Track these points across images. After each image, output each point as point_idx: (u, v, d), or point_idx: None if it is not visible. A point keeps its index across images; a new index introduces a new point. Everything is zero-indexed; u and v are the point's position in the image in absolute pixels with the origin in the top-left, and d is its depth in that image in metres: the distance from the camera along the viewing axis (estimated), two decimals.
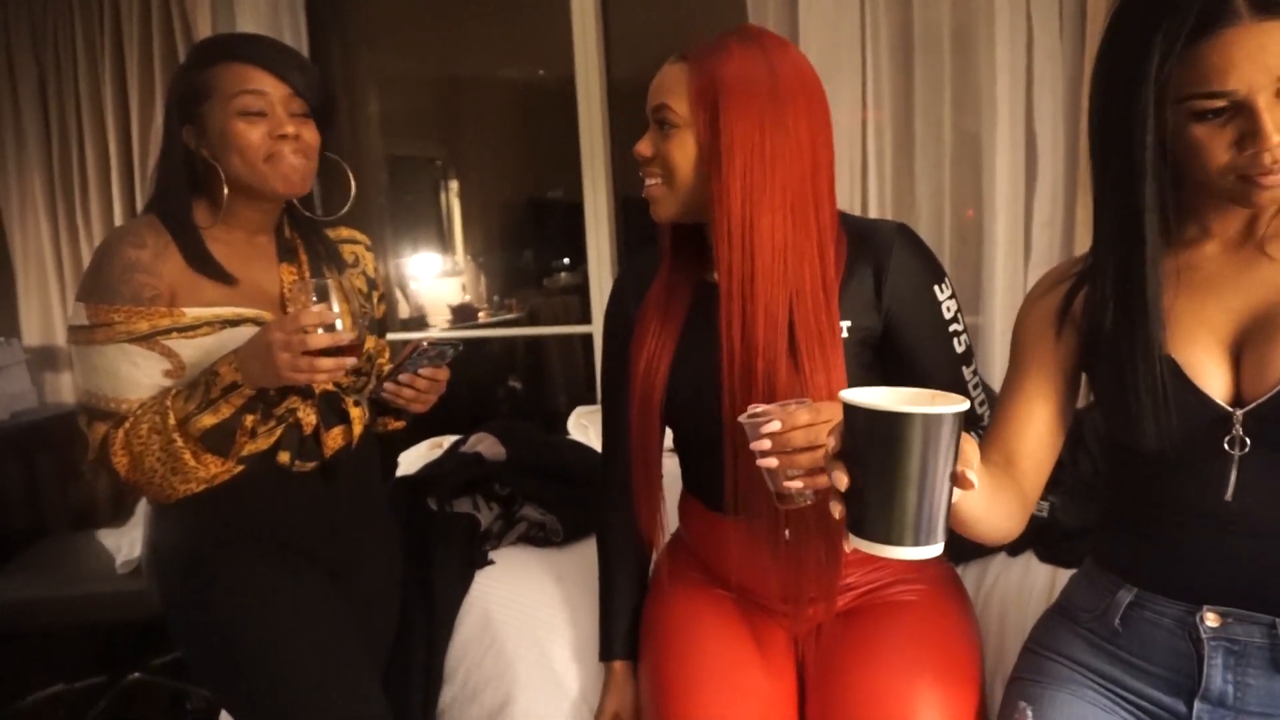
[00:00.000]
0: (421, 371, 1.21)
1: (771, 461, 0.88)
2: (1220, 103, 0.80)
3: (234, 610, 1.15)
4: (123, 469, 1.11)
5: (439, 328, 3.91)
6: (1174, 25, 0.80)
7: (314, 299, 1.06)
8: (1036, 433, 0.99)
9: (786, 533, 1.10)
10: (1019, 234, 2.23)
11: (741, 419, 0.93)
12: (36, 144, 3.00)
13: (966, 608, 1.17)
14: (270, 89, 1.15)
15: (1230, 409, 0.87)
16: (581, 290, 3.31)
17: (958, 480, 0.72)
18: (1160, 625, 0.94)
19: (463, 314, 4.07)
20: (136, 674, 2.27)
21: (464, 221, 4.52)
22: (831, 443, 0.75)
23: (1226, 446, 0.87)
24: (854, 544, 0.73)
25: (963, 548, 1.33)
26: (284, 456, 1.18)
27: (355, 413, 1.26)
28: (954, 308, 1.12)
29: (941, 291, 1.11)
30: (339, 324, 1.06)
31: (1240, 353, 0.88)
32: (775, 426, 0.88)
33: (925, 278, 1.10)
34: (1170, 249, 0.90)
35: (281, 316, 1.06)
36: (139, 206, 2.91)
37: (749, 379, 1.05)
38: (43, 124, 3.00)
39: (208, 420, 1.09)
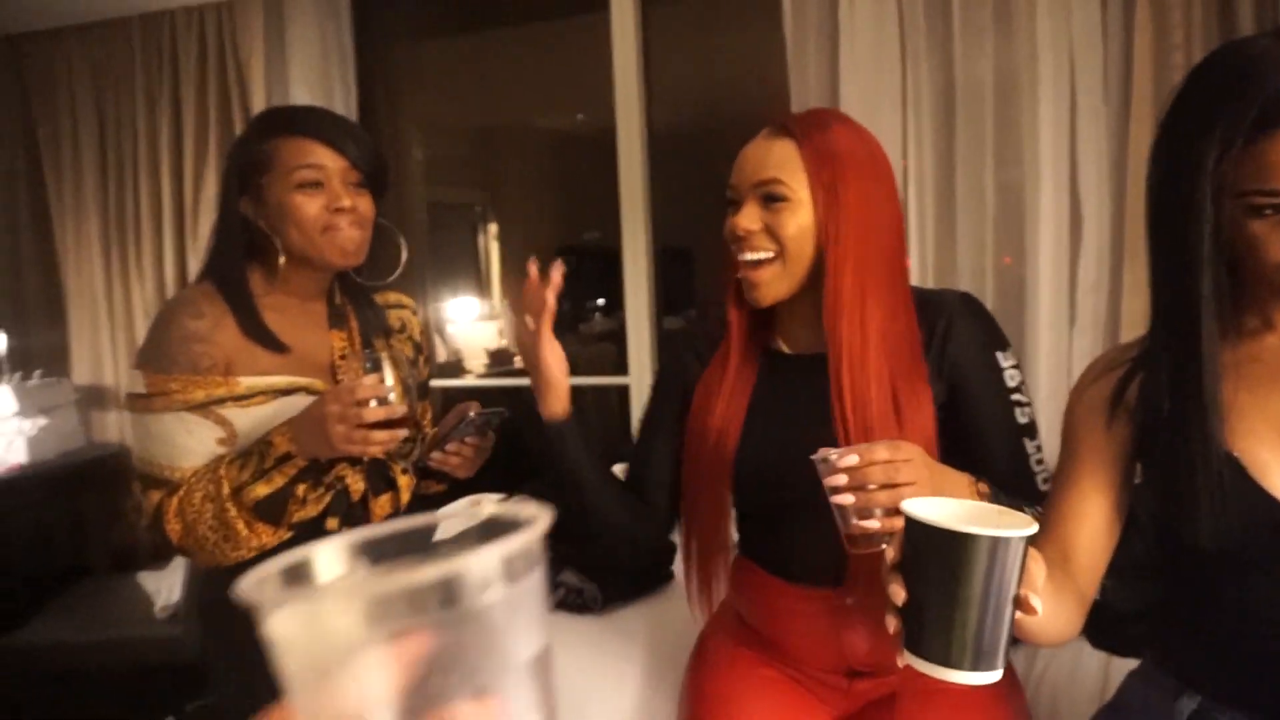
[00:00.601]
0: (467, 440, 1.24)
1: (847, 498, 0.86)
2: (1279, 200, 0.79)
3: (271, 666, 1.15)
4: (175, 536, 1.13)
5: (475, 373, 3.93)
6: (1236, 119, 0.79)
7: (367, 368, 1.07)
8: (1093, 527, 0.96)
9: (849, 600, 1.09)
10: (1064, 298, 2.20)
11: (815, 457, 0.91)
12: (94, 189, 3.10)
13: (1018, 698, 1.14)
14: (328, 162, 1.18)
15: None
16: (617, 337, 3.32)
17: (1021, 605, 0.70)
18: None
19: (499, 359, 4.10)
20: (170, 718, 2.28)
21: (502, 266, 4.58)
22: (891, 553, 0.73)
23: None
24: (906, 660, 0.71)
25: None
26: (332, 523, 1.20)
27: (403, 481, 1.28)
28: (1018, 378, 1.10)
29: (1004, 360, 1.10)
30: (392, 396, 1.07)
31: None
32: (853, 461, 0.86)
33: (987, 344, 1.10)
34: (1230, 341, 0.88)
35: (336, 388, 1.08)
36: (189, 252, 2.98)
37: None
38: (100, 169, 3.10)
39: (261, 490, 1.10)
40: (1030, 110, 2.19)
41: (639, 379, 2.82)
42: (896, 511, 0.86)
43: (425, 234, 3.57)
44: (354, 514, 1.22)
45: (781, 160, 1.06)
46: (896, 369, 1.06)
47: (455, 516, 0.35)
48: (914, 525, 0.69)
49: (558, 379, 1.12)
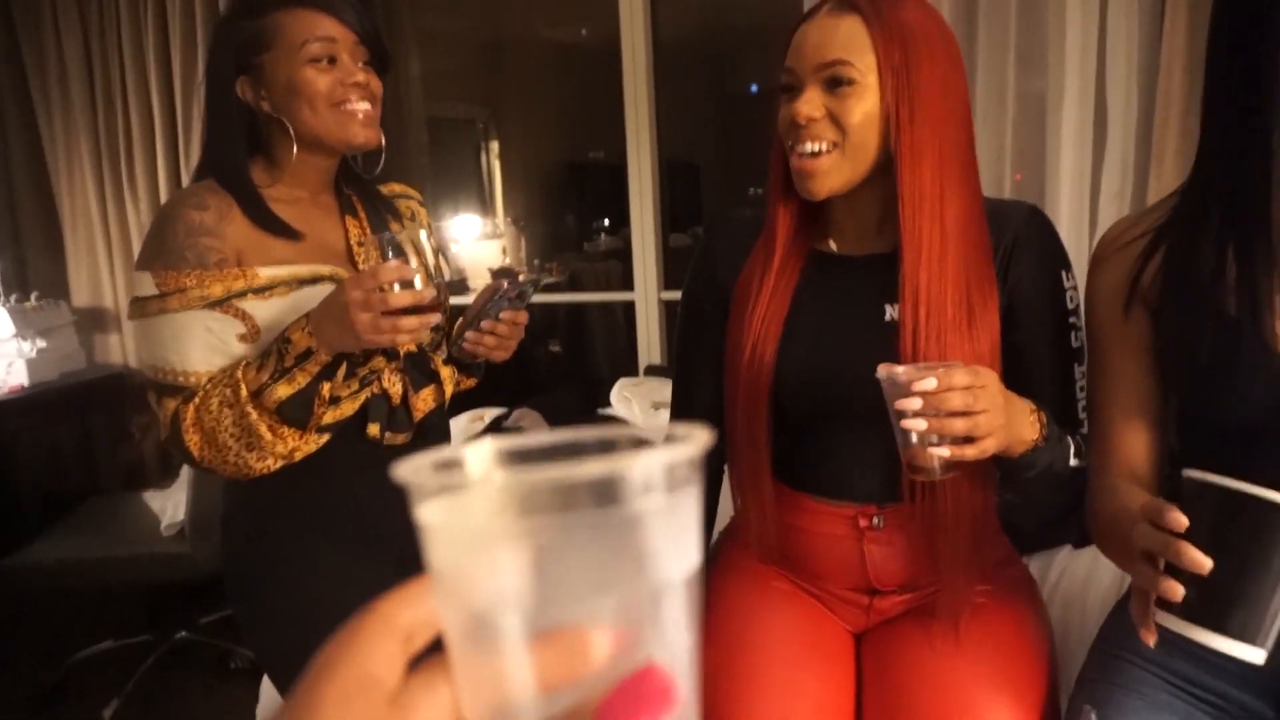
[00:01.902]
0: (502, 315, 1.14)
1: (920, 424, 0.82)
2: None
3: (293, 580, 1.13)
4: (195, 448, 1.06)
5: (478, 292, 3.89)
6: None
7: (389, 254, 0.99)
8: (1150, 441, 0.95)
9: (876, 519, 1.06)
10: (1084, 206, 2.12)
11: (880, 375, 0.85)
12: (82, 105, 3.01)
13: (1039, 611, 1.11)
14: (339, 35, 1.10)
15: None
16: (623, 255, 3.26)
17: None
18: None
19: (503, 277, 4.06)
20: (183, 633, 2.31)
21: (505, 184, 4.48)
22: (1182, 519, 0.68)
23: None
24: (1193, 633, 0.68)
25: (1027, 538, 1.28)
26: (373, 429, 1.13)
27: (445, 372, 1.20)
28: (1076, 299, 1.05)
29: (1067, 280, 1.05)
30: (418, 280, 0.99)
31: None
32: (930, 384, 0.81)
33: (1053, 261, 1.05)
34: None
35: (357, 275, 0.99)
36: (183, 165, 2.91)
37: (923, 355, 0.98)
38: (88, 84, 3.01)
39: (283, 391, 1.02)
40: (1058, 8, 2.07)
41: (645, 295, 2.77)
42: (968, 440, 0.84)
43: (425, 151, 3.47)
44: (397, 417, 1.15)
45: (848, 39, 0.95)
46: (971, 274, 0.99)
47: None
48: (1222, 493, 0.66)
49: None
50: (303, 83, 1.09)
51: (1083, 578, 1.27)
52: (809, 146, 0.97)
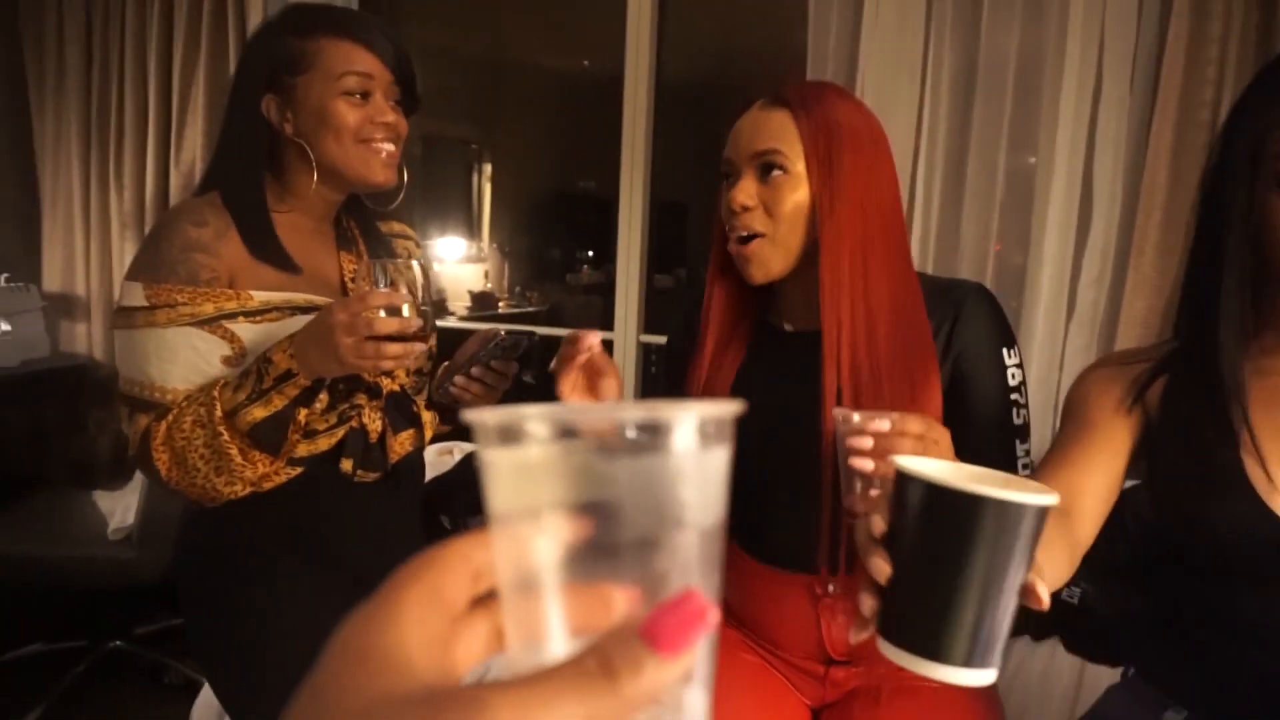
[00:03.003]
0: (493, 364, 1.14)
1: (867, 464, 0.81)
2: None
3: (249, 598, 1.10)
4: (163, 467, 1.03)
5: (457, 315, 3.86)
6: None
7: (380, 281, 0.98)
8: (1095, 484, 0.93)
9: (830, 587, 1.06)
10: (1063, 288, 2.16)
11: (836, 413, 0.86)
12: (76, 87, 2.97)
13: (996, 701, 1.11)
14: (377, 73, 1.10)
15: None
16: (603, 290, 3.26)
17: (1028, 593, 0.57)
18: None
19: (483, 302, 4.02)
20: (118, 641, 2.24)
21: (493, 208, 4.48)
22: (878, 521, 0.60)
23: None
24: (885, 650, 0.58)
25: None
26: (346, 464, 1.11)
27: (427, 416, 1.19)
28: (1019, 377, 1.08)
29: (1010, 358, 1.07)
30: (405, 309, 0.98)
31: None
32: (884, 426, 0.81)
33: (996, 338, 1.07)
34: (1251, 355, 0.87)
35: (344, 298, 0.98)
36: (172, 159, 2.87)
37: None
38: (84, 67, 2.98)
39: (258, 413, 1.00)
40: (1052, 94, 2.13)
41: (624, 335, 2.76)
42: None
43: (419, 168, 3.47)
44: (371, 454, 1.13)
45: (779, 130, 1.02)
46: (909, 350, 1.02)
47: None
48: (911, 484, 0.56)
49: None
50: (333, 114, 1.08)
51: (1041, 670, 1.27)
52: (741, 233, 1.03)
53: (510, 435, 0.32)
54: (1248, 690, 0.86)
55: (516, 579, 0.32)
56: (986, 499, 0.53)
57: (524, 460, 0.32)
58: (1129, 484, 1.37)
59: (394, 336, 0.96)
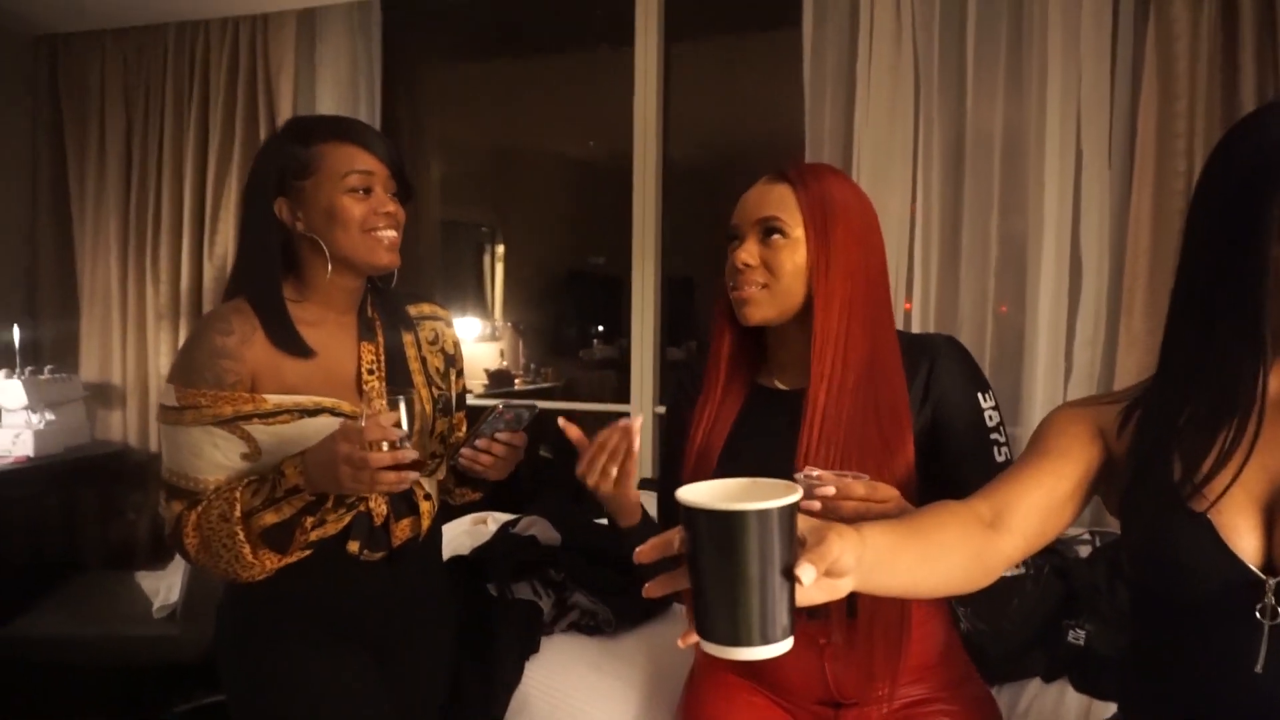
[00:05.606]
0: (499, 436, 1.23)
1: None
2: None
3: (279, 680, 1.21)
4: (193, 549, 1.16)
5: (474, 393, 3.97)
6: None
7: (391, 403, 1.10)
8: (1033, 501, 0.93)
9: (833, 635, 1.12)
10: (1060, 350, 2.26)
11: (798, 475, 0.94)
12: (116, 189, 3.15)
13: None
14: (375, 169, 1.23)
15: (1262, 576, 0.82)
16: (617, 364, 3.35)
17: (793, 576, 0.67)
18: None
19: (499, 379, 4.13)
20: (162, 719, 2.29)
21: (506, 287, 4.63)
22: (677, 542, 0.70)
23: (1258, 614, 0.82)
24: (707, 648, 0.69)
25: (996, 669, 1.34)
26: (353, 546, 1.22)
27: (425, 506, 1.30)
28: (996, 418, 1.17)
29: (985, 400, 1.16)
30: (405, 440, 1.09)
31: (1274, 517, 0.84)
32: (830, 491, 0.91)
33: (969, 383, 1.17)
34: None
35: (347, 427, 1.09)
36: (205, 255, 3.03)
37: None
38: (124, 169, 3.16)
39: (269, 518, 1.13)
40: (1036, 167, 2.26)
41: (640, 408, 2.84)
42: None
43: (437, 252, 3.62)
44: (375, 537, 1.25)
45: (780, 201, 1.15)
46: (881, 405, 1.12)
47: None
48: (685, 510, 0.67)
49: (635, 503, 1.17)
50: (340, 209, 1.21)
51: (1050, 711, 1.33)
52: (742, 286, 1.16)
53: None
54: None
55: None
56: (738, 512, 0.64)
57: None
58: None
59: (389, 466, 1.08)
